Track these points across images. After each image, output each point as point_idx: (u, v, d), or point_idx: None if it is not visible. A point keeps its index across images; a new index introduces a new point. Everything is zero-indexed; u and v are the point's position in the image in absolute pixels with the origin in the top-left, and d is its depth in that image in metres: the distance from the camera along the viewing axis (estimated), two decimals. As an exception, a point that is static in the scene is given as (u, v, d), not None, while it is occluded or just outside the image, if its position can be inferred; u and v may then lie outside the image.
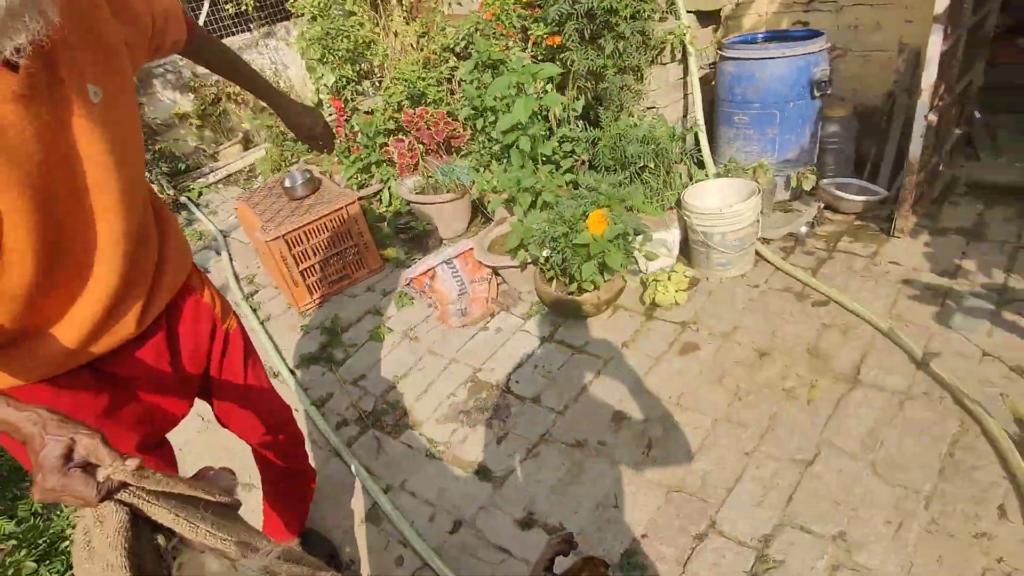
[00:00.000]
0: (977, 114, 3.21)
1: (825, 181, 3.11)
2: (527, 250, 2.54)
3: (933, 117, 2.52)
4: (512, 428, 2.27)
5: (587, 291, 2.48)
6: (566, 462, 2.09)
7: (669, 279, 2.58)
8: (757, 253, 2.83)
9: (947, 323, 2.29)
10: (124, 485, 0.75)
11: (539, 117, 2.96)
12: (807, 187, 2.97)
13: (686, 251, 2.88)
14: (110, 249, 1.05)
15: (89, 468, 0.75)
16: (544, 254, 2.52)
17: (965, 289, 2.42)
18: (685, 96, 3.36)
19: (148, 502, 0.76)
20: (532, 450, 2.17)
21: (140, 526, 0.75)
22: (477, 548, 1.90)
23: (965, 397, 1.94)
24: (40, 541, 1.80)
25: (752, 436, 2.03)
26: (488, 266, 2.83)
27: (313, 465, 1.96)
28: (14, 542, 1.74)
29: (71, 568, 1.76)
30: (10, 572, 1.68)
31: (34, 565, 1.71)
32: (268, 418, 1.63)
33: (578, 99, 3.04)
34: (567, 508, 1.94)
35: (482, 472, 2.13)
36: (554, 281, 2.60)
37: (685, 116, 3.40)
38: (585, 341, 2.58)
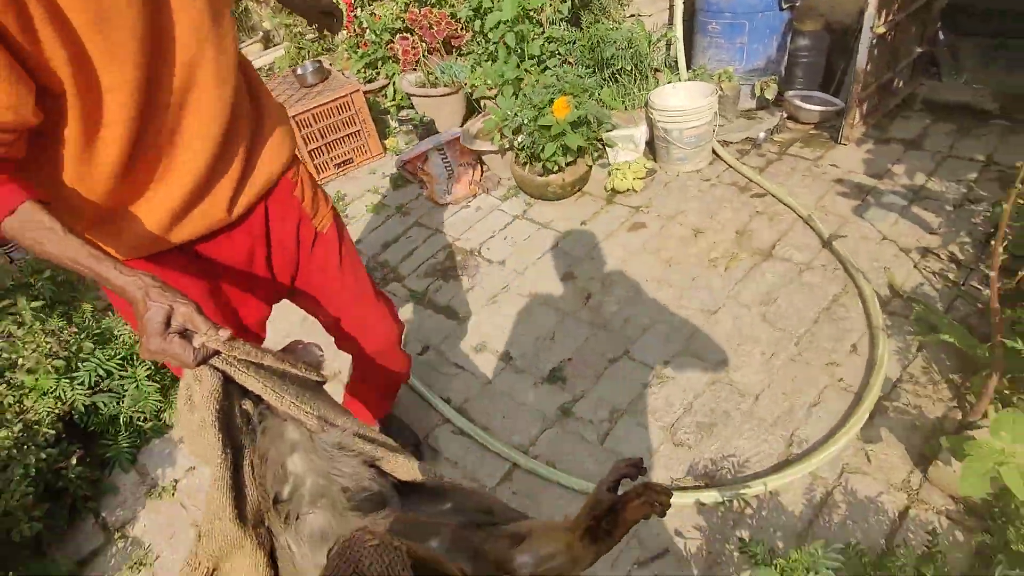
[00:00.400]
0: (941, 35, 3.39)
1: (790, 92, 3.36)
2: (503, 133, 2.88)
3: (880, 30, 2.76)
4: (478, 283, 2.70)
5: (553, 172, 2.83)
6: (519, 308, 2.52)
7: (629, 168, 2.92)
8: (714, 152, 3.14)
9: (862, 214, 2.62)
10: (217, 352, 0.81)
11: (529, 19, 3.22)
12: (769, 95, 3.24)
13: (653, 148, 3.19)
14: (201, 127, 1.03)
15: (187, 334, 0.81)
16: (519, 139, 2.87)
17: (887, 188, 2.74)
18: (671, 6, 3.57)
19: (238, 370, 0.81)
20: (492, 299, 2.60)
21: (231, 390, 0.82)
22: (439, 364, 2.36)
23: (853, 268, 2.31)
24: (95, 334, 2.28)
25: (673, 293, 2.42)
26: (472, 151, 3.18)
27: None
28: (75, 329, 2.23)
29: (117, 354, 2.25)
30: (73, 348, 2.17)
31: (91, 345, 2.20)
32: (369, 325, 1.54)
33: (564, 1, 3.29)
34: (514, 340, 2.38)
35: (449, 312, 2.57)
36: (527, 165, 2.95)
37: (670, 24, 3.62)
38: (551, 219, 2.95)
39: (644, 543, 1.68)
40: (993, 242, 1.59)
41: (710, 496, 1.72)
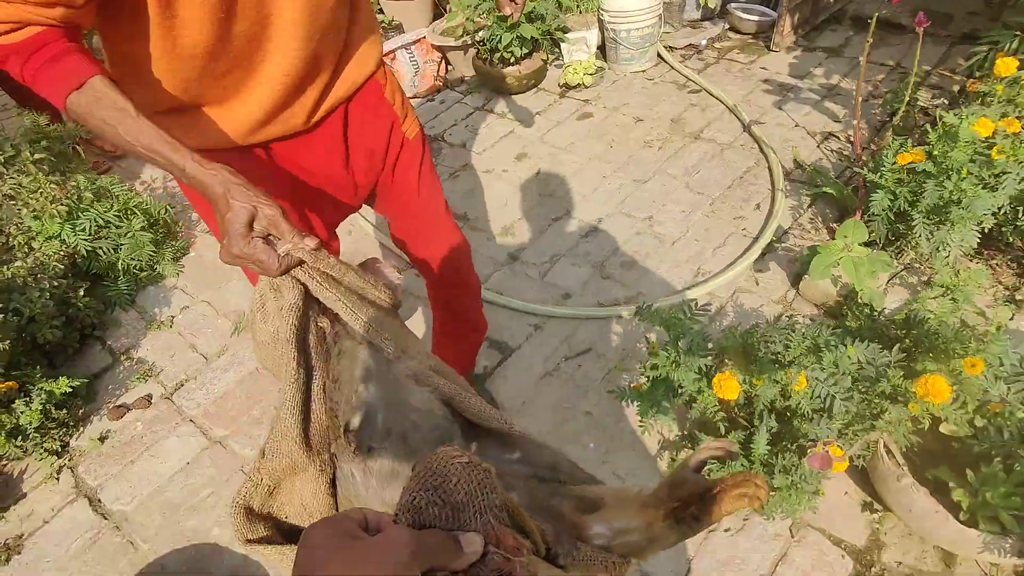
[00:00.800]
0: (870, -46, 3.70)
1: (732, 4, 3.65)
2: (465, 29, 3.13)
3: (808, -59, 3.05)
4: (440, 162, 2.99)
5: (510, 64, 3.11)
6: (477, 181, 2.83)
7: (581, 65, 3.21)
8: (659, 56, 3.44)
9: (781, 107, 2.97)
10: (300, 263, 0.77)
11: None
12: (712, 5, 3.53)
13: (604, 51, 3.47)
14: (292, 26, 0.94)
15: (270, 240, 0.76)
16: (479, 34, 3.12)
17: (805, 86, 3.09)
18: (627, -81, 3.79)
19: (320, 284, 0.77)
20: (454, 174, 2.90)
21: (309, 305, 0.78)
22: (404, 226, 2.68)
23: (766, 146, 2.67)
24: (92, 189, 2.52)
25: (612, 168, 2.76)
26: (437, 48, 3.42)
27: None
28: (75, 183, 2.47)
29: (114, 207, 2.50)
30: (75, 199, 2.42)
31: (91, 196, 2.45)
32: (440, 247, 1.47)
33: (526, -93, 3.48)
34: (471, 206, 2.70)
35: (414, 186, 2.87)
36: (487, 60, 3.22)
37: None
38: (509, 110, 3.24)
39: (571, 344, 2.06)
40: (854, 92, 1.95)
41: (627, 310, 2.10)
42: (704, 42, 3.54)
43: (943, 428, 1.45)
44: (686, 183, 2.61)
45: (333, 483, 0.75)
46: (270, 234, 0.77)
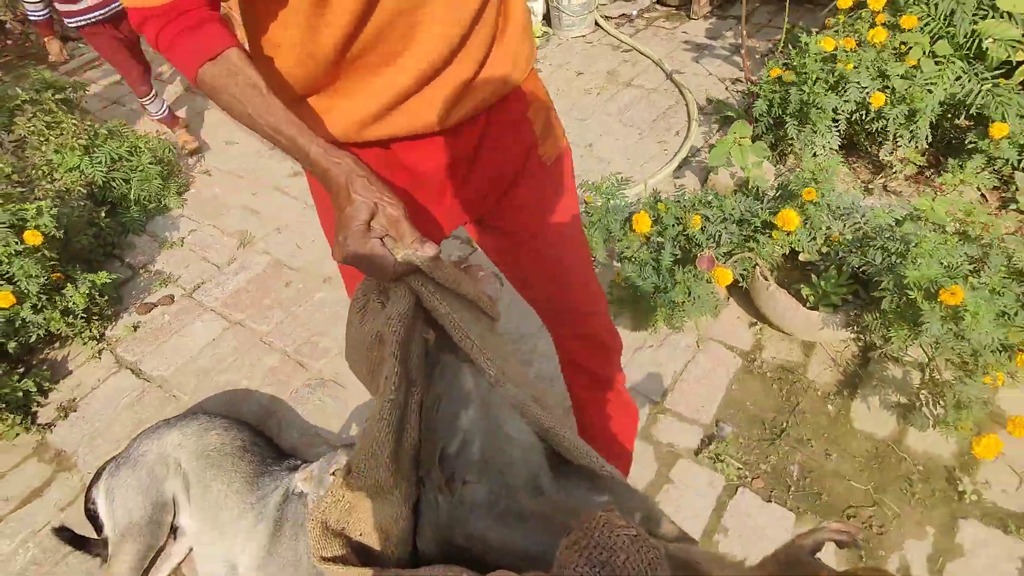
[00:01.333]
0: (771, -63, 4.32)
1: (658, -19, 4.22)
2: None
3: (716, -78, 3.62)
4: (411, 111, 3.43)
5: (467, 27, 3.57)
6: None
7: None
8: (596, 23, 3.97)
9: (698, 61, 3.53)
10: (417, 270, 0.72)
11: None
12: (640, -20, 4.08)
13: (548, 19, 3.98)
14: (443, 10, 0.85)
15: (387, 241, 0.71)
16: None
17: (718, 45, 3.66)
18: (565, -93, 4.31)
19: (433, 296, 0.72)
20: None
21: (417, 316, 0.73)
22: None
23: (684, 89, 3.21)
24: (104, 130, 2.86)
25: (558, 111, 3.25)
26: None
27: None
28: (91, 122, 2.81)
29: (125, 144, 2.85)
30: (91, 135, 2.76)
31: (106, 133, 2.79)
32: (569, 294, 1.22)
33: None
34: (439, 144, 3.15)
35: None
36: (447, 25, 3.68)
37: (565, -76, 4.36)
38: (467, 69, 3.71)
39: (529, 236, 2.54)
40: (740, 23, 2.48)
41: (572, 209, 2.59)
42: (635, 12, 4.09)
43: (801, 257, 1.98)
44: (619, 119, 3.13)
45: (415, 508, 0.72)
46: (388, 234, 0.72)
